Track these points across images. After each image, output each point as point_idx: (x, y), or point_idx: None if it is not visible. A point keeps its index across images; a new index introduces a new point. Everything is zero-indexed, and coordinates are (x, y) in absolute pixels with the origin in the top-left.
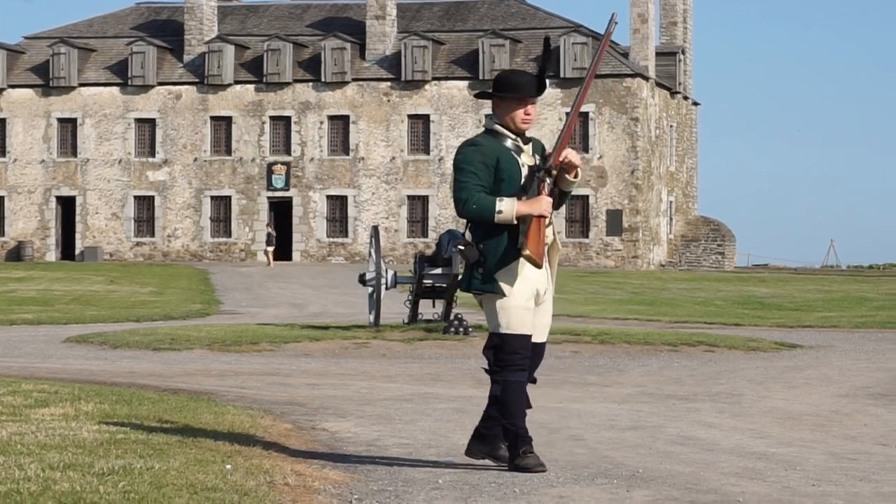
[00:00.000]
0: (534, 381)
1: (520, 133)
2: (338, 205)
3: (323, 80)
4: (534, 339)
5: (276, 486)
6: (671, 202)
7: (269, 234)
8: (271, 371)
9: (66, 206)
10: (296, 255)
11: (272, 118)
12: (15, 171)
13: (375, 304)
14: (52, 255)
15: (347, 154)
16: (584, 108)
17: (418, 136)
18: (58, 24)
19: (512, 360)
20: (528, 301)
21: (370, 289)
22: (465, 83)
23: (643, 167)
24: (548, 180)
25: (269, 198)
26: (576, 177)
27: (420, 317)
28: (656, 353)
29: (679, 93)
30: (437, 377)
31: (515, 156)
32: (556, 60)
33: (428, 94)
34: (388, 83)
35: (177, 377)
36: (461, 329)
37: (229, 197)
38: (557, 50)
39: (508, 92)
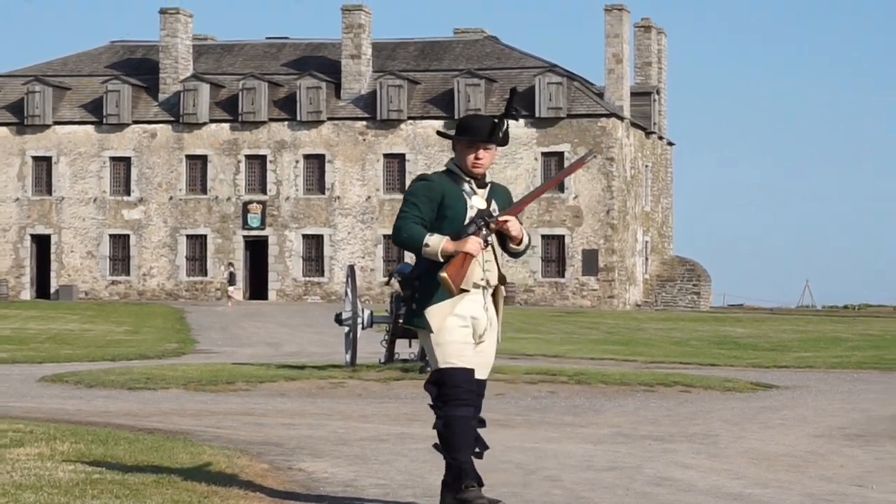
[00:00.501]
0: (482, 423)
1: (473, 176)
2: (314, 244)
3: (298, 119)
4: (478, 376)
5: None
6: (647, 242)
7: (231, 274)
8: (247, 411)
9: (41, 245)
10: (272, 294)
11: (248, 157)
12: None
13: (352, 343)
14: (26, 294)
15: (323, 193)
16: (558, 147)
17: (394, 176)
18: (32, 62)
19: (454, 393)
20: (463, 336)
21: (346, 328)
22: (440, 122)
23: (619, 207)
24: (484, 231)
25: (244, 237)
26: (518, 244)
27: (396, 356)
28: (632, 394)
29: (654, 133)
30: (414, 417)
31: (466, 196)
32: (517, 111)
33: (403, 133)
34: (364, 122)
35: (152, 416)
36: None
37: (205, 236)
38: (518, 99)
39: (461, 135)
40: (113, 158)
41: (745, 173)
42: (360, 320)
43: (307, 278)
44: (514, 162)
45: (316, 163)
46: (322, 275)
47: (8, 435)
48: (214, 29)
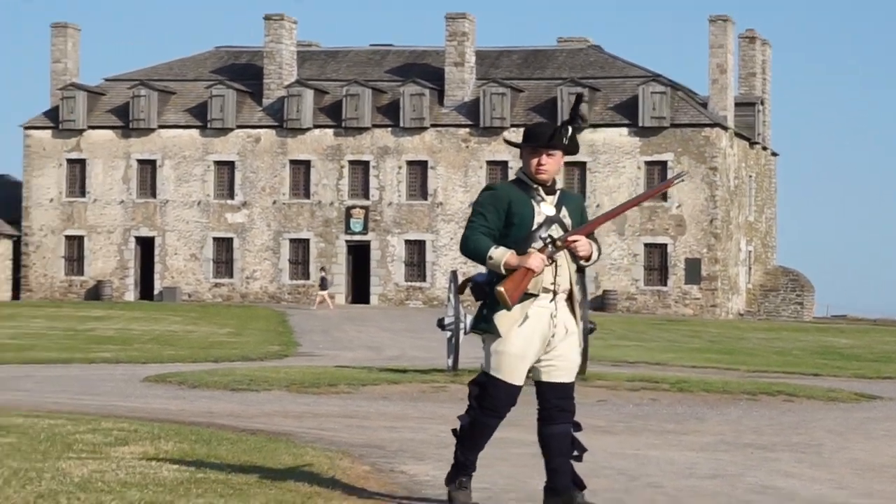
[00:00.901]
0: (578, 426)
1: (540, 182)
2: (416, 249)
3: (402, 125)
4: (557, 380)
5: None
6: (750, 252)
7: (322, 279)
8: (349, 413)
9: (146, 247)
10: (374, 299)
11: (351, 162)
12: (95, 211)
13: (454, 348)
14: (130, 295)
15: (426, 199)
16: (662, 157)
17: (497, 182)
18: (138, 67)
19: (492, 404)
20: (524, 350)
21: (448, 333)
22: None
23: (722, 216)
24: (550, 248)
25: (347, 241)
26: (587, 260)
27: None
28: (735, 402)
29: (758, 143)
30: (514, 422)
31: (534, 203)
32: (582, 118)
33: None
34: (467, 129)
35: (255, 418)
36: None
37: (308, 240)
38: (580, 104)
39: (525, 142)
40: (217, 162)
41: (849, 183)
42: (462, 325)
43: (409, 283)
44: (617, 171)
45: (419, 169)
46: (424, 280)
47: (113, 433)
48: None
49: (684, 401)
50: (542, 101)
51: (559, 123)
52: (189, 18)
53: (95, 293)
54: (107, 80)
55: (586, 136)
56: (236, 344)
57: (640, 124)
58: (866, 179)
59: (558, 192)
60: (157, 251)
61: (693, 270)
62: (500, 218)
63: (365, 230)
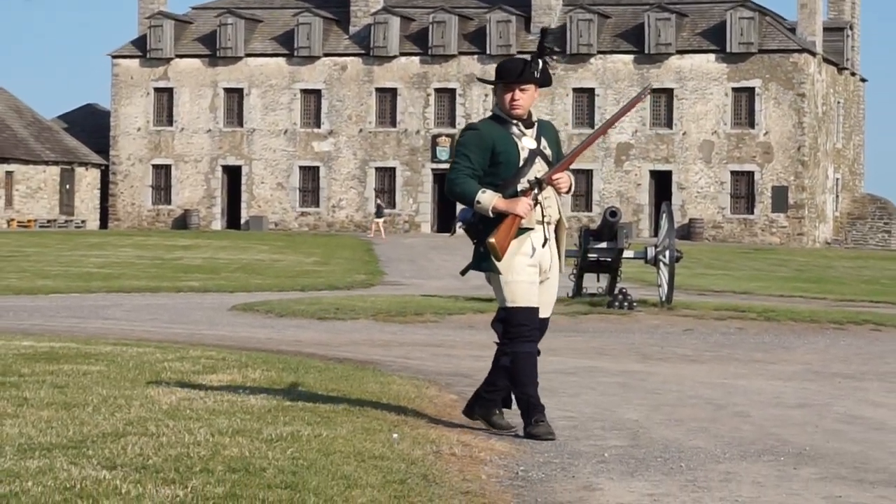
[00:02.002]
0: (537, 352)
1: (516, 118)
2: None
3: (488, 52)
4: (541, 315)
5: (442, 455)
6: (838, 179)
7: (378, 206)
8: (436, 342)
9: (232, 176)
10: (459, 229)
11: (437, 90)
12: (182, 140)
13: None
14: (217, 224)
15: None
16: (749, 83)
17: (583, 111)
18: None
19: (519, 332)
20: (529, 276)
21: None
22: (630, 57)
23: (810, 143)
24: (535, 191)
25: (433, 170)
26: (567, 193)
27: (585, 291)
28: (822, 332)
29: (846, 69)
30: (602, 351)
31: (516, 139)
32: (550, 50)
33: (593, 67)
34: (554, 57)
35: (342, 346)
36: (626, 303)
37: (394, 168)
38: (551, 39)
39: (497, 79)
40: (304, 91)
41: None
42: None
43: None
44: (704, 97)
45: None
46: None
47: (201, 362)
48: None
49: (771, 330)
50: (630, 27)
51: (531, 57)
52: None
53: (182, 222)
54: (194, 8)
55: (674, 62)
56: (323, 273)
57: (728, 50)
58: None
59: (536, 124)
60: (243, 180)
61: (780, 198)
62: (484, 158)
63: (451, 158)
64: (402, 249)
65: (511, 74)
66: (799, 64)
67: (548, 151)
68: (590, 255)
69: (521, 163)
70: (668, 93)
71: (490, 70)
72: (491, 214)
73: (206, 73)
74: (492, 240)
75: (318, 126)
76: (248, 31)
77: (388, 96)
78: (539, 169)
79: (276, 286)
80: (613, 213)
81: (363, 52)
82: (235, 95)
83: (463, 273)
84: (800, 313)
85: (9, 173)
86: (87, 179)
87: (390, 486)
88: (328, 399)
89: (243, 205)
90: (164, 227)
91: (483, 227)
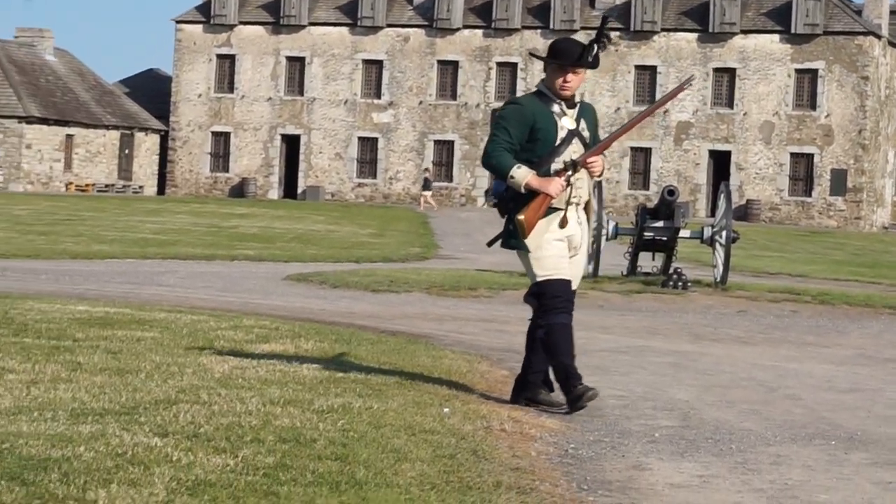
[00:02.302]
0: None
1: (563, 98)
2: None
3: (552, 27)
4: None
5: (492, 431)
6: None
7: (426, 180)
8: (489, 317)
9: (291, 145)
10: (490, 202)
11: (499, 64)
12: (242, 107)
13: (595, 254)
14: (274, 193)
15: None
16: (812, 65)
17: (644, 88)
18: None
19: (553, 304)
20: (559, 251)
21: (591, 239)
22: (693, 35)
23: (871, 127)
24: (569, 172)
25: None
26: (600, 177)
27: (639, 269)
28: (877, 316)
29: None
30: (654, 331)
31: (556, 118)
32: (608, 38)
33: (656, 45)
34: (617, 33)
35: (395, 319)
36: (680, 283)
37: (452, 142)
38: (606, 24)
39: (552, 59)
40: (365, 61)
41: None
42: (604, 232)
43: None
44: (767, 78)
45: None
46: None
47: (254, 331)
48: None
49: (825, 313)
50: (694, 5)
51: (587, 42)
52: None
53: (240, 190)
54: None
55: (738, 42)
56: (378, 245)
57: (793, 31)
58: None
59: (578, 105)
60: (302, 149)
61: (839, 181)
62: (523, 133)
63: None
64: (458, 223)
65: (569, 57)
66: (864, 46)
67: (586, 134)
68: (646, 234)
69: (559, 142)
70: (731, 72)
71: None
72: (523, 191)
73: (268, 40)
74: (521, 217)
75: (379, 97)
76: None
77: (449, 69)
78: (575, 150)
79: (331, 257)
80: (671, 191)
81: (426, 23)
82: (297, 64)
83: (489, 244)
84: (854, 297)
85: (69, 136)
86: (147, 145)
87: (440, 460)
88: (380, 372)
89: (300, 174)
90: (221, 195)
91: (514, 205)
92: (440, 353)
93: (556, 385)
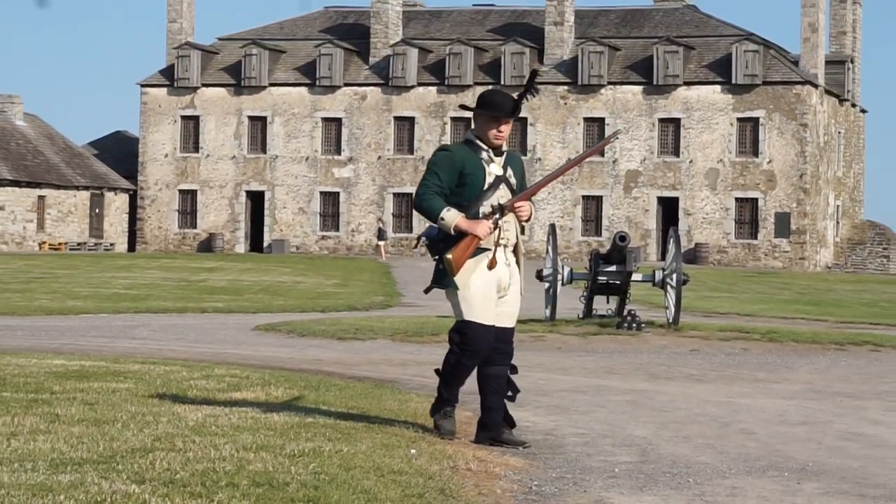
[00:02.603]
0: (514, 369)
1: (493, 146)
2: None
3: (503, 83)
4: (501, 325)
5: (458, 470)
6: (838, 206)
7: (380, 230)
8: None
9: (255, 201)
10: (422, 246)
11: (453, 119)
12: (207, 166)
13: (552, 299)
14: (241, 247)
15: (525, 155)
16: (753, 113)
17: (593, 139)
18: (250, 27)
19: (471, 345)
20: (486, 292)
21: (547, 284)
22: (639, 88)
23: (811, 171)
24: (497, 215)
25: None
26: (527, 221)
27: (595, 312)
28: (823, 352)
29: (847, 100)
30: (611, 370)
31: (485, 164)
32: (535, 91)
33: (603, 98)
34: (565, 87)
35: (361, 365)
36: (634, 324)
37: (411, 194)
38: (535, 78)
39: (486, 110)
40: (325, 119)
41: None
42: (559, 277)
43: None
44: (710, 127)
45: (518, 126)
46: (522, 233)
47: (225, 380)
48: None
49: (774, 350)
50: (639, 59)
51: (517, 95)
52: None
53: (207, 245)
54: (220, 39)
55: (682, 93)
56: (342, 294)
57: (733, 81)
58: None
59: (505, 154)
60: (266, 205)
61: (783, 224)
62: (452, 178)
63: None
64: (418, 272)
65: (503, 109)
66: (801, 95)
67: (513, 180)
68: (600, 278)
69: (486, 187)
70: (676, 122)
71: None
72: (453, 232)
73: (231, 101)
74: (449, 256)
75: (339, 153)
76: (272, 61)
77: (406, 124)
78: (502, 195)
79: (298, 307)
80: (623, 237)
81: (382, 82)
82: (259, 123)
83: (426, 291)
84: (802, 334)
85: (41, 198)
86: (116, 204)
87: (409, 499)
88: (348, 416)
89: (266, 229)
90: (189, 251)
91: (443, 245)
92: (406, 396)
93: (517, 421)
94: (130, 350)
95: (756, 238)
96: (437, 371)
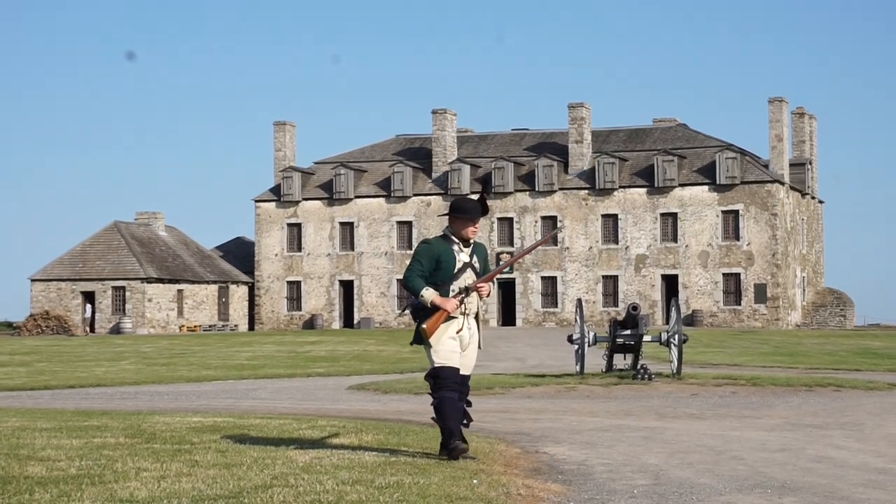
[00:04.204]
0: (469, 403)
1: (463, 240)
2: (549, 283)
3: (536, 189)
4: (462, 373)
5: (511, 495)
6: (804, 277)
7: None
8: (502, 409)
9: (347, 288)
10: (518, 321)
11: (499, 219)
12: (308, 262)
13: (580, 357)
14: (336, 324)
15: (556, 245)
16: (734, 207)
17: (609, 231)
18: (339, 152)
19: (445, 383)
20: (452, 347)
21: (576, 346)
22: (644, 190)
23: (781, 251)
24: (463, 295)
25: (497, 279)
26: (487, 296)
27: (614, 367)
28: (796, 393)
29: (808, 194)
30: (629, 412)
31: (456, 254)
32: (488, 193)
33: (616, 198)
34: (586, 191)
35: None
36: (646, 376)
37: None
38: (489, 184)
39: (461, 214)
40: (399, 222)
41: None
42: (586, 340)
43: (545, 309)
44: (700, 219)
45: (550, 222)
46: (556, 306)
47: (327, 429)
48: (473, 122)
49: (757, 393)
50: (643, 167)
51: (478, 199)
52: (376, 113)
53: (310, 324)
54: (316, 163)
55: (677, 193)
56: (416, 359)
57: (717, 182)
58: (894, 216)
59: (472, 245)
60: (355, 291)
61: (760, 293)
62: (431, 264)
63: (511, 270)
64: None
65: (475, 213)
66: (772, 191)
67: (477, 265)
68: (618, 340)
69: (456, 271)
70: (674, 216)
71: (539, 203)
72: (429, 305)
73: (325, 211)
74: (423, 326)
75: (410, 248)
76: (357, 178)
77: None
78: (468, 276)
79: (382, 370)
80: (635, 307)
81: (443, 191)
82: (348, 227)
83: (411, 344)
84: (778, 379)
85: (179, 290)
86: (238, 294)
87: None
88: (424, 455)
89: (355, 309)
90: (296, 328)
91: (422, 314)
92: (468, 438)
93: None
94: (252, 408)
95: (740, 304)
96: (433, 419)
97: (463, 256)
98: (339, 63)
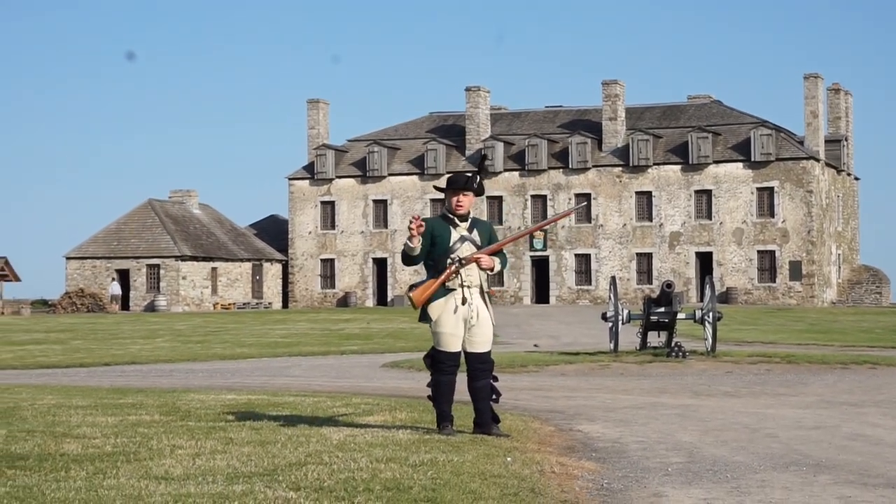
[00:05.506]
0: (495, 378)
1: (457, 215)
2: (583, 261)
3: (570, 167)
4: (476, 350)
5: (545, 473)
6: (839, 254)
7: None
8: (536, 387)
9: (380, 265)
10: (552, 300)
11: (532, 196)
12: (342, 239)
13: (614, 335)
14: (370, 302)
15: (590, 222)
16: (769, 184)
17: (643, 208)
18: (372, 129)
19: (441, 367)
20: (453, 329)
21: (610, 324)
22: (678, 167)
23: (817, 228)
24: (455, 265)
25: (531, 256)
26: (491, 271)
27: (648, 344)
28: (831, 370)
29: (843, 170)
30: (663, 390)
31: (451, 228)
32: (485, 171)
33: (650, 175)
34: (620, 168)
35: (466, 393)
36: (680, 353)
37: None
38: (485, 161)
39: (447, 187)
40: (432, 200)
41: None
42: (620, 318)
43: (579, 287)
44: (735, 196)
45: (584, 200)
46: (590, 284)
47: (361, 407)
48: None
49: (792, 370)
50: (677, 144)
51: (471, 173)
52: (409, 91)
53: (344, 301)
54: (349, 140)
55: (712, 170)
56: None
57: (752, 159)
58: None
59: (470, 220)
60: (388, 268)
61: (796, 270)
62: (426, 240)
63: (545, 247)
64: (509, 317)
65: (458, 184)
66: (807, 168)
67: (477, 239)
68: (652, 318)
69: (451, 244)
70: (708, 193)
71: (572, 180)
72: (407, 251)
73: (358, 189)
74: (410, 293)
75: None
76: (390, 156)
77: (495, 202)
78: (466, 249)
79: (416, 348)
80: (669, 284)
81: (476, 169)
82: (381, 205)
83: (419, 320)
84: (813, 357)
85: (213, 268)
86: (272, 272)
87: (507, 497)
88: (458, 432)
89: (389, 287)
90: (330, 306)
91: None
92: (502, 415)
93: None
94: (286, 386)
95: (775, 282)
96: (428, 397)
97: (459, 230)
98: (338, 63)
